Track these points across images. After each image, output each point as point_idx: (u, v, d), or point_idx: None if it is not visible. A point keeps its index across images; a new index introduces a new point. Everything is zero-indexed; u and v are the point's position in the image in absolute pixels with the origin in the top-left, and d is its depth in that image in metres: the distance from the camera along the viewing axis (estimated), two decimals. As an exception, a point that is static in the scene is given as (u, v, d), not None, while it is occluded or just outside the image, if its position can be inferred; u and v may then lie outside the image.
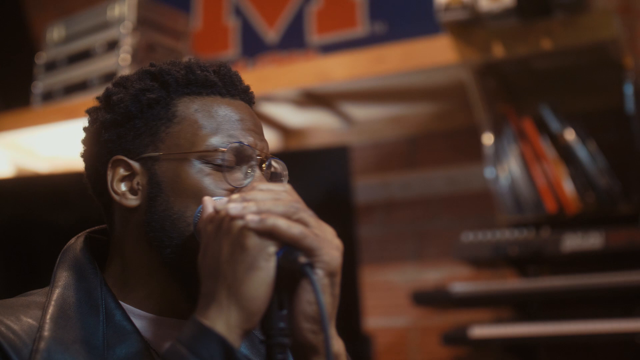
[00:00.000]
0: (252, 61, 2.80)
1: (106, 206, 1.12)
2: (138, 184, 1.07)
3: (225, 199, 0.97)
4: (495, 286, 2.08)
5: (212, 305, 0.90)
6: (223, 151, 1.05)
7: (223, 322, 0.89)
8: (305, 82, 2.24)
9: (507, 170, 2.11)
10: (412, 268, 2.44)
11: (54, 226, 1.97)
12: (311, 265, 0.90)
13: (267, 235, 0.90)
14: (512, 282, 2.15)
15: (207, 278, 0.92)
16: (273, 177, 1.13)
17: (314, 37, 2.71)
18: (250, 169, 1.06)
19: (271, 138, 2.67)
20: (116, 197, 1.07)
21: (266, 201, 0.92)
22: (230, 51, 2.87)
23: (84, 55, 2.55)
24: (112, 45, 2.47)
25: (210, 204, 0.97)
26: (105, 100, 1.12)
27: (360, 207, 2.50)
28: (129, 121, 1.08)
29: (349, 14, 2.67)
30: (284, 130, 2.66)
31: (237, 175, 1.06)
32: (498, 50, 2.03)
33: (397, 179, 2.51)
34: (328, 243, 0.92)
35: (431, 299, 2.21)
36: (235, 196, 0.95)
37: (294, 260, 0.89)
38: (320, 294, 0.87)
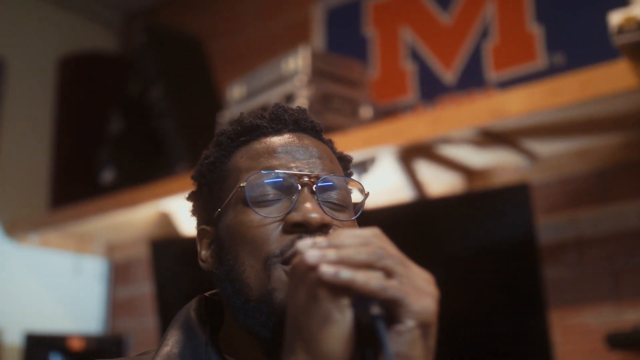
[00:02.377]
0: (431, 104, 2.83)
1: None
2: (214, 246, 1.10)
3: (311, 241, 0.91)
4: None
5: (290, 358, 0.87)
6: (243, 186, 1.04)
7: None
8: (481, 120, 2.21)
9: None
10: (609, 309, 2.36)
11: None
12: (385, 317, 0.84)
13: (344, 290, 0.85)
14: None
15: (288, 329, 0.90)
16: (336, 201, 1.08)
17: (492, 74, 2.72)
18: (295, 195, 1.04)
19: (454, 180, 2.69)
20: (203, 265, 1.12)
21: (349, 248, 0.87)
22: (409, 96, 2.93)
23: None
24: (289, 99, 2.60)
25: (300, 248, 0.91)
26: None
27: (548, 247, 2.45)
28: (201, 190, 1.14)
29: (526, 47, 2.65)
30: (467, 172, 2.66)
31: (280, 207, 1.04)
32: (684, 71, 1.95)
33: (587, 215, 2.44)
34: (417, 291, 0.87)
35: (630, 342, 2.13)
36: (320, 239, 0.90)
37: (366, 312, 0.84)
38: (389, 349, 0.81)
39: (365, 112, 2.67)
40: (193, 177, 1.18)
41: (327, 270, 0.85)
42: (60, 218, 3.40)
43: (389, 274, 0.86)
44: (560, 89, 2.09)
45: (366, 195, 1.13)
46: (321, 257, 0.86)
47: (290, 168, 1.06)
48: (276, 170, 1.05)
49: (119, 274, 3.89)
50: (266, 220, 1.03)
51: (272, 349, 0.97)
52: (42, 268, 3.69)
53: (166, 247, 2.93)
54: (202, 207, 1.15)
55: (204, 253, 1.13)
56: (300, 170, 1.06)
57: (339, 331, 0.85)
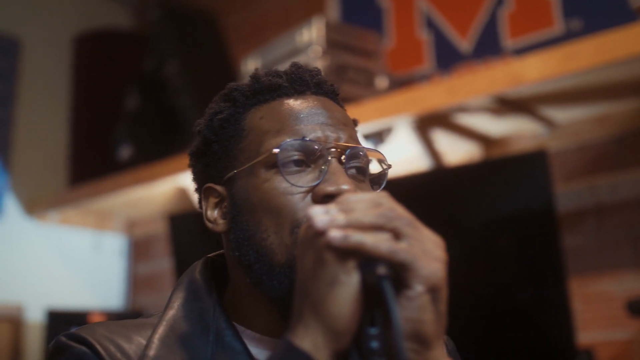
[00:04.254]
0: (447, 73, 2.81)
1: (219, 238, 1.13)
2: (226, 207, 1.07)
3: (322, 208, 0.89)
4: None
5: (300, 324, 0.87)
6: (277, 152, 1.01)
7: (310, 341, 0.85)
8: (497, 87, 2.18)
9: None
10: (629, 276, 2.34)
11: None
12: (392, 277, 0.83)
13: (352, 252, 0.84)
14: None
15: (297, 295, 0.89)
16: (359, 171, 1.06)
17: (508, 41, 2.69)
18: (324, 165, 1.01)
19: (471, 149, 2.68)
20: (209, 225, 1.09)
21: (356, 211, 0.86)
22: (425, 65, 2.91)
23: (279, 83, 2.68)
24: (304, 71, 2.59)
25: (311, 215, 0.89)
26: (194, 133, 1.15)
27: (568, 215, 2.44)
28: (209, 147, 1.10)
29: (542, 13, 2.62)
30: (485, 141, 2.64)
31: (309, 176, 1.02)
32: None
33: (606, 182, 2.41)
34: (426, 255, 0.85)
35: (651, 309, 2.11)
36: (331, 206, 0.89)
37: (372, 273, 0.82)
38: (395, 309, 0.80)
39: (381, 82, 2.66)
40: (199, 132, 1.14)
41: (335, 234, 0.84)
42: (79, 195, 3.42)
43: (398, 235, 0.86)
44: (577, 54, 2.06)
45: (388, 166, 1.12)
46: (330, 222, 0.86)
47: (318, 135, 1.04)
48: (306, 138, 1.03)
49: (138, 250, 3.91)
50: (295, 189, 1.01)
51: (289, 314, 0.95)
52: (63, 245, 3.72)
53: (184, 221, 2.94)
54: (210, 165, 1.11)
55: (210, 213, 1.10)
56: (328, 138, 1.04)
57: (345, 293, 0.84)
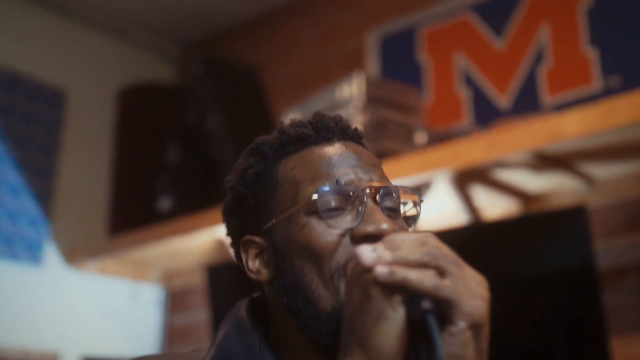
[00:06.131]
0: (486, 129, 2.84)
1: (259, 287, 1.17)
2: (267, 257, 1.10)
3: (370, 247, 0.93)
4: None
5: (346, 358, 0.90)
6: (316, 198, 1.04)
7: None
8: (536, 143, 2.20)
9: None
10: (671, 335, 2.33)
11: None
12: (436, 312, 0.86)
13: (397, 288, 0.87)
14: None
15: (344, 330, 0.92)
16: (393, 210, 1.09)
17: (547, 98, 2.71)
18: (360, 206, 1.04)
19: (510, 205, 2.69)
20: (252, 276, 1.13)
21: (402, 249, 0.89)
22: (463, 121, 2.94)
23: (319, 137, 2.72)
24: (344, 126, 2.63)
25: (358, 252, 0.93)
26: (226, 189, 1.18)
27: (609, 272, 2.42)
28: (243, 202, 1.14)
29: (581, 70, 2.65)
30: (524, 197, 2.65)
31: (347, 218, 1.04)
32: None
33: (647, 239, 2.42)
34: (469, 292, 0.89)
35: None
36: (378, 244, 0.92)
37: (417, 308, 0.86)
38: (439, 341, 0.83)
39: (420, 137, 2.69)
40: (232, 188, 1.17)
41: (381, 270, 0.88)
42: (118, 245, 3.47)
43: (442, 273, 0.89)
44: (617, 110, 2.08)
45: (421, 202, 1.15)
46: (377, 259, 0.89)
47: (351, 178, 1.08)
48: (340, 182, 1.06)
49: (175, 300, 3.94)
50: (334, 231, 1.04)
51: (333, 355, 0.98)
52: (100, 295, 3.76)
53: (222, 273, 2.97)
54: (246, 218, 1.15)
55: (251, 264, 1.13)
56: (361, 180, 1.08)
57: (392, 328, 0.87)
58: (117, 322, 3.78)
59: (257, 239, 1.13)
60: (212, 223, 3.00)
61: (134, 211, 3.59)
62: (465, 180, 2.52)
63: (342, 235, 1.04)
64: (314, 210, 1.06)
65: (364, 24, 3.43)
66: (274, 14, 3.91)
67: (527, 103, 2.77)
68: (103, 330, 3.72)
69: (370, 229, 1.03)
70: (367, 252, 0.90)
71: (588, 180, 2.51)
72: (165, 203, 3.39)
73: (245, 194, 1.15)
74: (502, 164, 2.38)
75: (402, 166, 2.40)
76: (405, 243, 0.91)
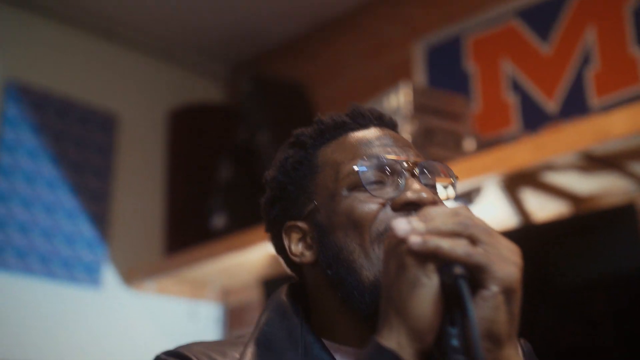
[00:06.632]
0: (534, 134, 2.87)
1: (297, 271, 1.24)
2: (311, 239, 1.17)
3: (404, 219, 0.97)
4: None
5: (385, 326, 0.94)
6: (358, 171, 1.11)
7: (395, 341, 0.92)
8: (583, 143, 2.22)
9: None
10: None
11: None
12: (468, 277, 0.90)
13: (431, 256, 0.91)
14: None
15: (382, 299, 0.97)
16: (430, 187, 1.15)
17: (595, 100, 2.73)
18: (400, 180, 1.11)
19: (561, 208, 2.70)
20: (296, 259, 1.19)
21: (435, 220, 0.94)
22: (512, 127, 2.97)
23: (368, 146, 2.76)
24: (393, 135, 2.67)
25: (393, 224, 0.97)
26: (264, 184, 1.26)
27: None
28: (284, 191, 1.21)
29: (628, 71, 2.65)
30: (574, 199, 2.66)
31: (388, 189, 1.11)
32: None
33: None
34: (501, 259, 0.92)
35: None
36: (412, 217, 0.97)
37: (450, 274, 0.90)
38: (470, 304, 0.87)
39: (469, 144, 2.73)
40: (272, 180, 1.24)
41: (415, 240, 0.92)
42: (175, 264, 3.55)
43: (474, 242, 0.93)
44: (664, 108, 2.08)
45: (456, 178, 1.21)
46: (411, 230, 0.94)
47: (390, 155, 1.15)
48: (381, 157, 1.13)
49: (234, 317, 4.00)
50: (376, 200, 1.11)
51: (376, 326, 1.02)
52: (159, 314, 3.84)
53: (278, 286, 3.02)
54: (287, 207, 1.21)
55: (294, 248, 1.19)
56: (400, 156, 1.15)
57: (426, 295, 0.91)
58: (177, 341, 3.81)
59: (299, 223, 1.20)
60: (266, 238, 3.04)
61: (189, 230, 3.67)
62: (515, 184, 2.54)
63: (383, 205, 1.11)
64: (356, 184, 1.13)
65: (410, 35, 3.48)
66: (320, 30, 3.98)
67: (575, 106, 2.79)
68: (162, 350, 3.78)
69: (411, 196, 1.11)
70: (401, 224, 0.95)
71: (638, 180, 2.51)
72: (219, 221, 3.47)
73: (286, 182, 1.22)
74: (550, 167, 2.40)
75: (450, 172, 2.43)
76: (439, 214, 0.95)
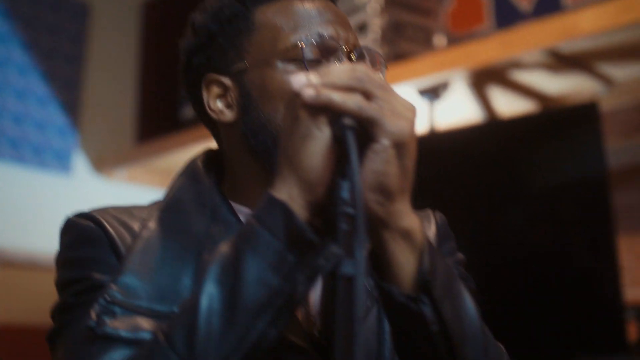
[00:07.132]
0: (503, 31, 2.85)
1: (212, 128, 1.23)
2: (232, 98, 1.16)
3: (302, 74, 0.95)
4: None
5: (278, 178, 0.95)
6: (302, 46, 1.10)
7: (286, 192, 0.93)
8: (551, 40, 2.21)
9: None
10: (682, 233, 2.37)
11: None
12: (357, 130, 0.90)
13: (323, 109, 0.92)
14: None
15: (279, 154, 0.97)
16: None
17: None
18: (337, 61, 1.11)
19: (528, 107, 2.72)
20: (214, 115, 1.17)
21: (331, 75, 0.93)
22: (485, 25, 2.95)
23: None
24: (362, 28, 2.66)
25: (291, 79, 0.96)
26: (191, 28, 1.22)
27: (623, 171, 2.47)
28: (213, 41, 1.18)
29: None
30: (541, 99, 2.68)
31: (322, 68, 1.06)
32: None
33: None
34: (394, 113, 0.93)
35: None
36: (311, 73, 0.95)
37: (339, 126, 0.90)
38: (354, 155, 0.87)
39: (439, 40, 2.72)
40: (203, 26, 1.20)
41: (308, 92, 0.92)
42: (145, 152, 3.56)
43: (368, 96, 0.93)
44: (635, 5, 2.05)
45: (385, 69, 1.20)
46: (306, 83, 0.93)
47: (332, 33, 1.13)
48: (324, 34, 1.12)
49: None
50: None
51: None
52: (129, 202, 3.86)
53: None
54: (213, 57, 1.18)
55: (212, 104, 1.18)
56: (340, 37, 1.14)
57: (317, 146, 0.92)
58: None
59: (223, 79, 1.17)
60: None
61: (160, 120, 3.68)
62: (482, 80, 2.55)
63: None
64: (294, 57, 1.11)
65: None
66: None
67: (549, 5, 2.76)
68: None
69: None
70: (297, 77, 0.94)
71: (606, 81, 2.52)
72: (189, 110, 3.46)
73: (217, 33, 1.18)
74: (518, 64, 2.41)
75: (418, 66, 2.44)
76: (335, 70, 0.95)
